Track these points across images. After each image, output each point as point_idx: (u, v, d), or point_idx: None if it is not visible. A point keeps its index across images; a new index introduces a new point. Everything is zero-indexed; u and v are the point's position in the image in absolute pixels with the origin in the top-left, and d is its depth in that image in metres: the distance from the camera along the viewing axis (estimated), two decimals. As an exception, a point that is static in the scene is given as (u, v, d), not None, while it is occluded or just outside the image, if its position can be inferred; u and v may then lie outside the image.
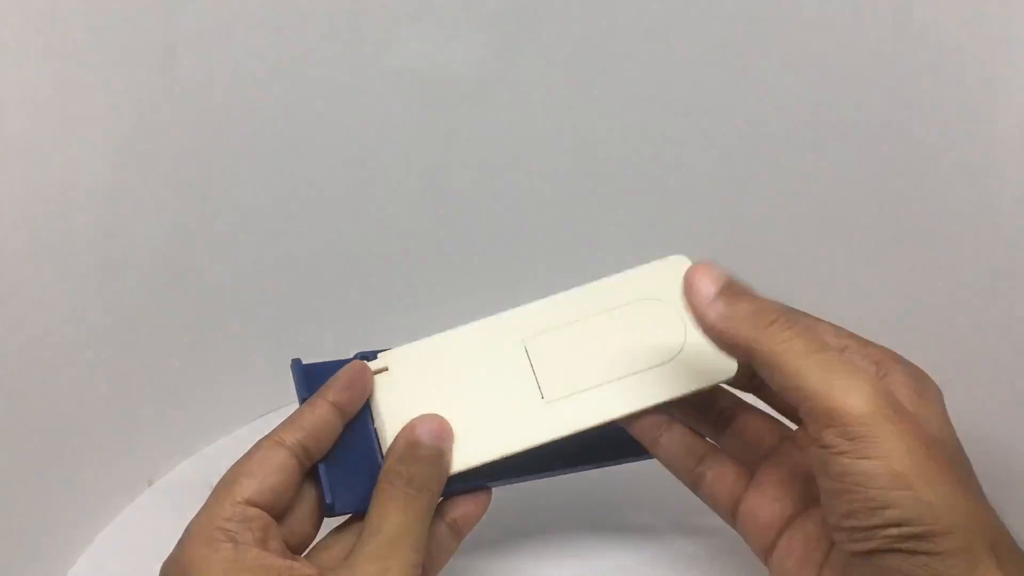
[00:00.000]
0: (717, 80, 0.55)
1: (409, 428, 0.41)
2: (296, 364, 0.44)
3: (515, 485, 0.44)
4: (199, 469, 0.56)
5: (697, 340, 0.39)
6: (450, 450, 0.41)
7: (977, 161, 0.49)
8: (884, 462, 0.33)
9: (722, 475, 0.42)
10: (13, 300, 0.47)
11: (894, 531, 0.33)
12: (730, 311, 0.37)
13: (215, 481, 0.40)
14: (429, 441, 0.41)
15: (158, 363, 0.55)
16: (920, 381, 0.39)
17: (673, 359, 0.43)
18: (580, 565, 0.50)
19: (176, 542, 0.38)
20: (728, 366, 0.41)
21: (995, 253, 0.49)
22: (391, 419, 0.42)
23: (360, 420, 0.43)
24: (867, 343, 0.40)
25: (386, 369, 0.44)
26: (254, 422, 0.60)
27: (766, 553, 0.41)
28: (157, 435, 0.56)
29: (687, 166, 0.58)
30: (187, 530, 0.38)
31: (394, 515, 0.39)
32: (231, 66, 0.52)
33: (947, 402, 0.41)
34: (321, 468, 0.41)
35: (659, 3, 0.54)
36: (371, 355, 0.44)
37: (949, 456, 0.36)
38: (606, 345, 0.43)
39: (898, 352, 0.40)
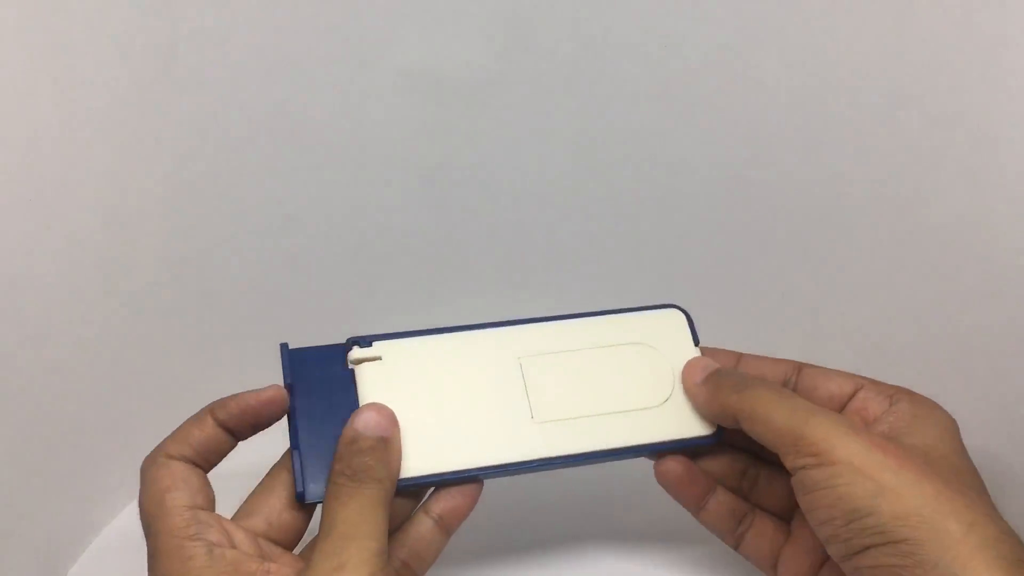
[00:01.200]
0: (717, 80, 0.55)
1: (349, 425, 0.41)
2: (284, 348, 0.43)
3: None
4: (199, 469, 0.56)
5: (682, 393, 0.45)
6: (397, 438, 0.41)
7: (977, 161, 0.49)
8: (846, 466, 0.38)
9: (761, 532, 0.45)
10: (13, 300, 0.47)
11: (868, 531, 0.37)
12: (713, 387, 0.44)
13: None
14: (369, 432, 0.40)
15: (158, 363, 0.55)
16: (926, 410, 0.43)
17: (660, 406, 0.45)
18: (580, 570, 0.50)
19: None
20: (705, 425, 0.45)
21: (995, 253, 0.49)
22: None
23: (339, 408, 0.42)
24: (880, 383, 0.44)
25: (379, 358, 0.43)
26: (254, 422, 0.60)
27: None
28: (158, 434, 0.56)
29: (687, 166, 0.58)
30: (151, 556, 0.38)
31: (339, 511, 0.38)
32: (231, 66, 0.52)
33: (949, 402, 0.42)
34: (294, 456, 0.41)
35: (659, 3, 0.54)
36: (366, 341, 0.44)
37: (926, 464, 0.38)
38: (599, 380, 0.45)
39: (911, 386, 0.44)
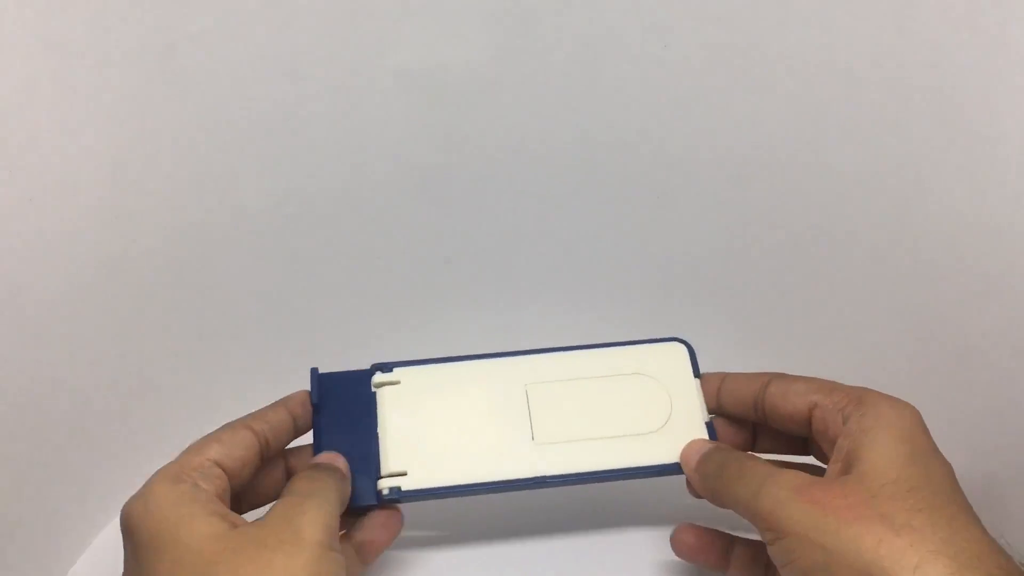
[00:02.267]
0: (717, 80, 0.55)
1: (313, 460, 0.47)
2: (313, 373, 0.48)
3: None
4: (199, 469, 0.56)
5: (679, 418, 0.48)
6: (347, 470, 0.46)
7: (977, 161, 0.49)
8: (795, 538, 0.39)
9: (748, 549, 0.47)
10: (13, 300, 0.47)
11: None
12: (702, 476, 0.46)
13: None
14: (326, 460, 0.46)
15: (158, 363, 0.55)
16: (874, 420, 0.41)
17: (656, 431, 0.48)
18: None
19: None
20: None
21: (995, 254, 0.49)
22: (393, 427, 0.47)
23: (365, 425, 0.47)
24: (834, 390, 0.44)
25: (398, 382, 0.49)
26: (254, 422, 0.60)
27: None
28: (157, 434, 0.56)
29: (687, 165, 0.58)
30: (156, 472, 0.42)
31: (301, 483, 0.43)
32: (231, 66, 0.52)
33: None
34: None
35: (659, 3, 0.54)
36: (387, 367, 0.49)
37: (869, 506, 0.38)
38: (600, 406, 0.49)
39: (870, 382, 0.44)
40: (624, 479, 0.47)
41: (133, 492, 0.41)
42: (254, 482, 0.46)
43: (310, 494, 0.42)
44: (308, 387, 0.48)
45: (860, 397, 0.43)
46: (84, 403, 0.51)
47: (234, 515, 0.41)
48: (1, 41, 0.45)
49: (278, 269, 0.58)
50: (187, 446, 0.44)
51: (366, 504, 0.46)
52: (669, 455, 0.47)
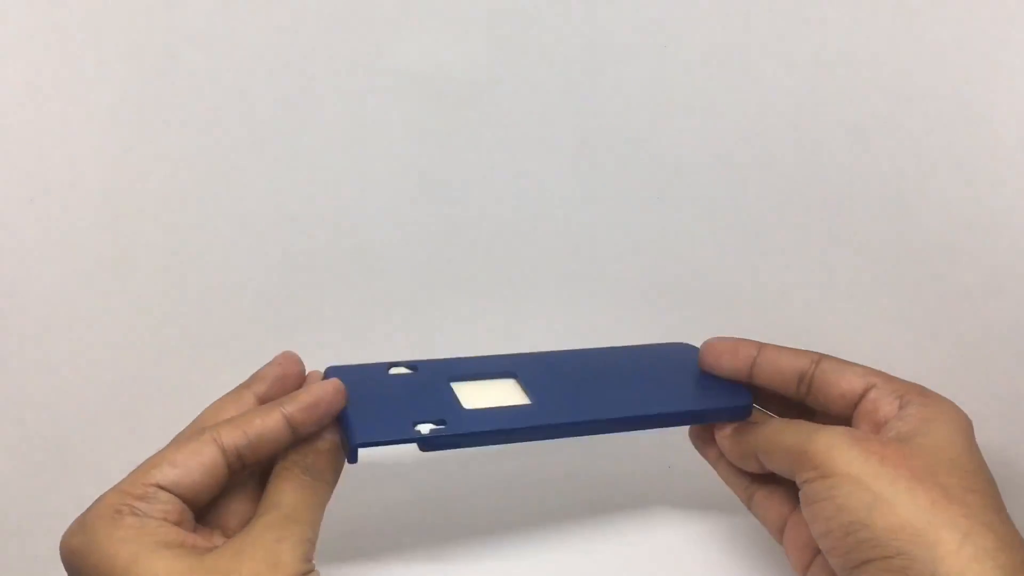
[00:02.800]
0: (717, 80, 0.55)
1: (307, 390, 0.41)
2: (328, 371, 0.45)
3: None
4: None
5: (704, 378, 0.47)
6: (342, 393, 0.42)
7: (977, 161, 0.49)
8: (844, 477, 0.38)
9: (770, 495, 0.46)
10: (14, 300, 0.47)
11: (864, 545, 0.37)
12: (737, 434, 0.46)
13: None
14: (327, 398, 0.41)
15: (158, 362, 0.55)
16: (937, 411, 0.42)
17: (671, 384, 0.48)
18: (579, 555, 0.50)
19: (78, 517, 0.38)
20: (744, 400, 0.46)
21: (995, 254, 0.49)
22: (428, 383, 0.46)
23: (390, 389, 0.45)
24: (892, 379, 0.44)
25: (416, 369, 0.47)
26: (254, 422, 0.60)
27: (803, 571, 0.43)
28: (158, 434, 0.56)
29: (687, 166, 0.58)
30: (95, 501, 0.38)
31: (290, 494, 0.39)
32: (231, 66, 0.52)
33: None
34: (348, 412, 0.42)
35: (659, 3, 0.54)
36: (398, 366, 0.47)
37: (927, 470, 0.38)
38: (604, 379, 0.48)
39: (925, 383, 0.44)
40: (657, 426, 0.46)
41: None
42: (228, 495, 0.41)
43: (300, 515, 0.38)
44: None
45: (922, 389, 0.43)
46: (84, 403, 0.51)
47: (196, 538, 0.37)
48: (2, 41, 0.45)
49: (278, 269, 0.58)
50: (138, 463, 0.39)
51: (405, 439, 0.42)
52: (699, 403, 0.47)
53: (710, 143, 0.57)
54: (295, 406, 0.41)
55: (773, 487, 0.45)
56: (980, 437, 0.42)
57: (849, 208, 0.55)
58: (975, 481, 0.39)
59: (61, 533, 0.51)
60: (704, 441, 0.48)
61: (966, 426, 0.42)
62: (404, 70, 0.55)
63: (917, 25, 0.50)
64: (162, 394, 0.56)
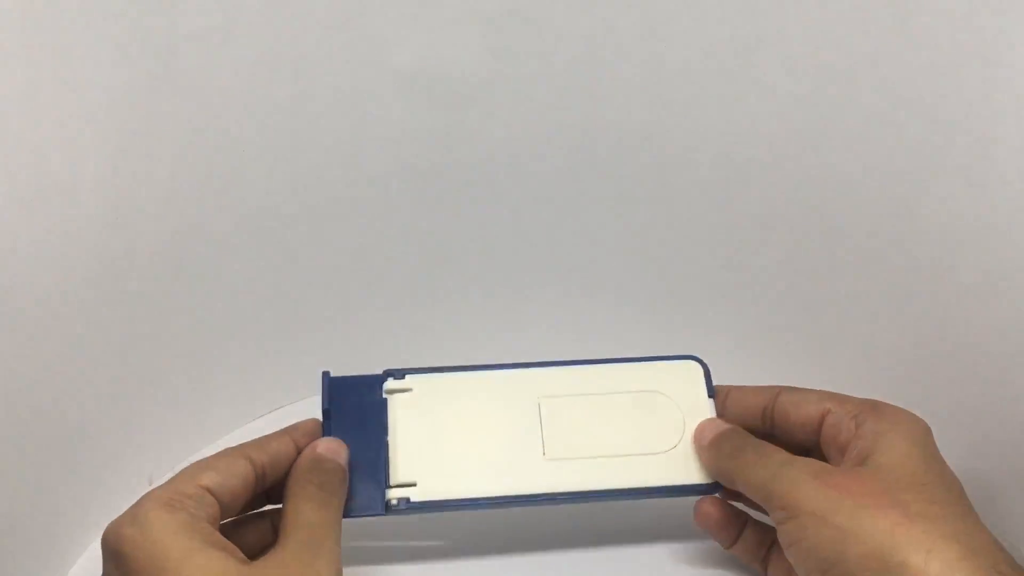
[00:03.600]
0: (717, 80, 0.55)
1: (311, 448, 0.45)
2: (324, 376, 0.48)
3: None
4: (199, 469, 0.56)
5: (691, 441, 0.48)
6: (347, 468, 0.45)
7: (977, 161, 0.49)
8: (810, 517, 0.39)
9: (750, 531, 0.47)
10: (13, 299, 0.47)
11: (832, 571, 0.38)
12: (715, 451, 0.47)
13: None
14: (331, 456, 0.44)
15: (158, 363, 0.55)
16: (890, 424, 0.43)
17: (667, 452, 0.48)
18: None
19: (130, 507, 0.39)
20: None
21: (995, 254, 0.49)
22: (404, 435, 0.47)
23: (375, 431, 0.47)
24: (846, 399, 0.45)
25: (410, 389, 0.48)
26: (254, 422, 0.60)
27: None
28: (158, 434, 0.56)
29: (686, 166, 0.58)
30: (146, 496, 0.40)
31: (312, 512, 0.41)
32: (231, 66, 0.52)
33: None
34: None
35: (659, 3, 0.54)
36: (400, 374, 0.49)
37: (885, 492, 0.39)
38: (612, 424, 0.48)
39: (882, 396, 0.45)
40: (635, 499, 0.48)
41: (134, 492, 0.41)
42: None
43: (326, 530, 0.41)
44: (312, 392, 0.48)
45: (874, 405, 0.44)
46: (84, 403, 0.51)
47: (235, 548, 0.39)
48: (2, 42, 0.45)
49: (278, 269, 0.58)
50: (179, 470, 0.42)
51: (373, 514, 0.46)
52: (681, 475, 0.48)
53: (710, 143, 0.57)
54: (301, 434, 0.46)
55: (752, 525, 0.47)
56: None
57: (849, 208, 0.55)
58: (935, 492, 0.40)
59: (61, 533, 0.51)
60: (719, 532, 0.49)
61: (922, 435, 0.42)
62: (404, 69, 0.55)
63: (917, 25, 0.49)
64: (162, 394, 0.56)
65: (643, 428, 0.48)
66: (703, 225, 0.59)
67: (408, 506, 0.46)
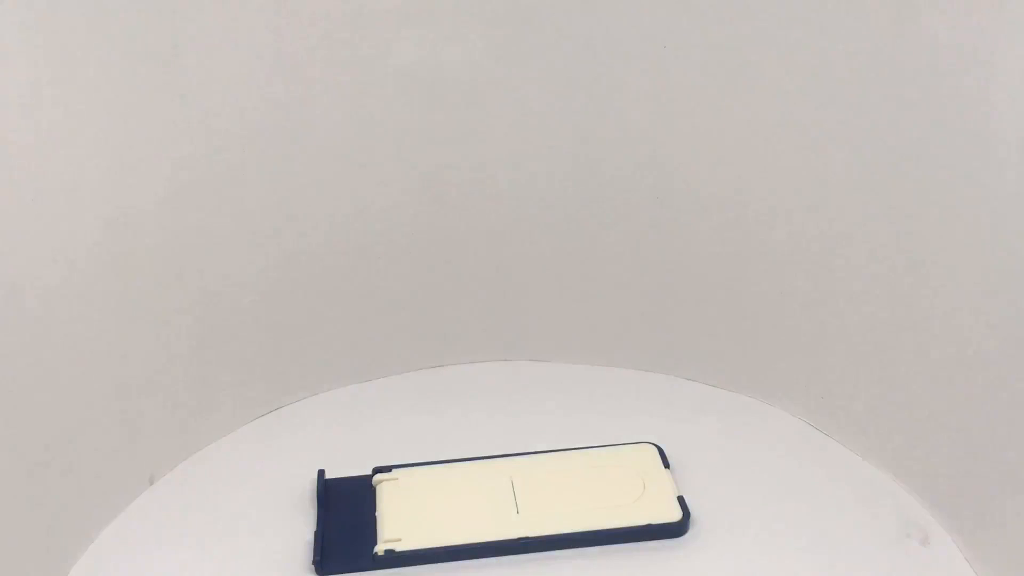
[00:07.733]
0: (717, 80, 0.55)
1: None
2: (320, 476, 0.55)
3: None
4: (200, 468, 0.56)
5: (653, 494, 0.53)
6: None
7: (977, 161, 0.49)
8: None
9: None
10: (14, 299, 0.47)
11: None
12: None
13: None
14: None
15: (159, 363, 0.55)
16: None
17: (631, 503, 0.53)
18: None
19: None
20: (674, 513, 0.52)
21: (995, 254, 0.49)
22: (390, 507, 0.53)
23: (364, 511, 0.53)
24: None
25: (396, 479, 0.55)
26: (254, 422, 0.60)
27: None
28: (158, 434, 0.56)
29: (686, 166, 0.58)
30: None
31: None
32: (232, 66, 0.52)
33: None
34: (316, 536, 0.51)
35: (659, 3, 0.54)
36: (386, 469, 0.55)
37: None
38: (580, 488, 0.54)
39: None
40: (607, 543, 0.51)
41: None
42: None
43: None
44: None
45: None
46: (84, 403, 0.51)
47: None
48: (3, 43, 0.45)
49: (278, 269, 0.58)
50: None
51: (362, 569, 0.50)
52: (647, 517, 0.52)
53: (708, 142, 0.57)
54: None
55: None
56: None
57: (848, 208, 0.55)
58: None
59: (61, 533, 0.51)
60: None
61: None
62: (404, 69, 0.55)
63: (917, 25, 0.49)
64: (162, 394, 0.56)
65: (608, 487, 0.54)
66: (701, 226, 0.59)
67: (394, 556, 0.51)
